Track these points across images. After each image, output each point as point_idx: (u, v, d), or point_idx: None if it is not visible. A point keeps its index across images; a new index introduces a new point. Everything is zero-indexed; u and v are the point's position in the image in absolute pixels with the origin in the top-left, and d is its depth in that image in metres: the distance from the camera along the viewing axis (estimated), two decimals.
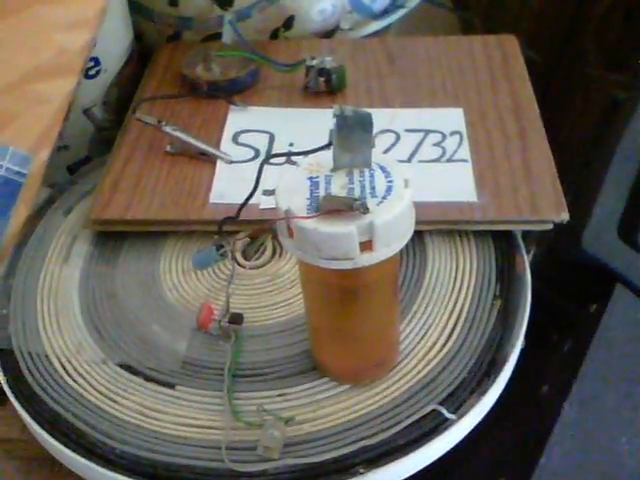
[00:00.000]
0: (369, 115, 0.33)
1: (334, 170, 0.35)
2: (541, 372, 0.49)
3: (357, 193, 0.33)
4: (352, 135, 0.34)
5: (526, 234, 0.51)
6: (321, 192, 0.33)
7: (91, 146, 0.63)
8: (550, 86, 0.94)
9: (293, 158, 0.42)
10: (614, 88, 0.78)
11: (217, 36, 0.62)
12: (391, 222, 0.32)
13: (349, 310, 0.38)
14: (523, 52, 0.62)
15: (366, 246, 0.33)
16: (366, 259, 0.33)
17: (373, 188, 0.33)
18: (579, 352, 0.47)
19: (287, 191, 0.34)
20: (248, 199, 0.36)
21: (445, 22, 0.89)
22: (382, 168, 0.35)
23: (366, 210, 0.32)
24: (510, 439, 0.48)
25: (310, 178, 0.34)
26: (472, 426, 0.41)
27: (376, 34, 0.67)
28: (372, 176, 0.34)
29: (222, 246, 0.40)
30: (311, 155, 0.36)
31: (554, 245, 0.55)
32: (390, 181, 0.34)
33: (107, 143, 0.58)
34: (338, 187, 0.34)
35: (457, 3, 0.93)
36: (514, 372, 0.45)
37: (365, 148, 0.34)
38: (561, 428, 0.44)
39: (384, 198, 0.33)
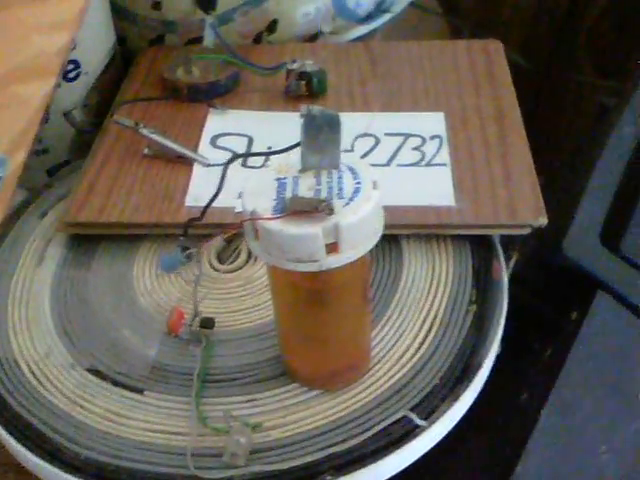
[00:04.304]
0: (337, 116, 0.33)
1: (302, 171, 0.34)
2: (521, 379, 0.49)
3: (324, 194, 0.33)
4: (320, 136, 0.33)
5: (509, 240, 0.51)
6: (288, 193, 0.33)
7: (71, 149, 0.62)
8: (542, 93, 0.93)
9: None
10: (603, 94, 0.78)
11: (200, 40, 0.61)
12: (357, 224, 0.32)
13: (317, 314, 0.37)
14: (512, 58, 0.62)
15: (332, 248, 0.32)
16: (332, 261, 0.32)
17: (341, 189, 0.33)
18: (559, 359, 0.46)
19: (254, 192, 0.33)
20: (211, 201, 0.36)
21: (435, 28, 0.89)
22: (351, 169, 0.34)
23: (331, 211, 0.32)
24: (488, 447, 0.47)
25: (278, 179, 0.34)
26: (444, 433, 0.41)
27: (361, 39, 0.67)
28: (340, 177, 0.34)
29: (188, 248, 0.40)
30: (280, 156, 0.35)
31: (536, 251, 0.55)
32: (358, 183, 0.33)
33: (87, 146, 0.57)
34: (305, 188, 0.33)
35: (447, 10, 0.93)
36: (495, 379, 0.44)
37: (333, 149, 0.34)
38: (539, 436, 0.43)
39: (351, 199, 0.32)
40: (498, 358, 0.45)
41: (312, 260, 0.32)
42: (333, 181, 0.33)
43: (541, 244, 0.53)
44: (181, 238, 0.39)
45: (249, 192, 0.33)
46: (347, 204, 0.32)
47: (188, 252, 0.40)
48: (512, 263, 0.54)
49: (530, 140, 0.53)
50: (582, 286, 0.49)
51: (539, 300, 0.53)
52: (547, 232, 0.48)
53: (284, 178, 0.34)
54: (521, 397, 0.47)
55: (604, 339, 0.47)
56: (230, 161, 0.35)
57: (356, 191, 0.33)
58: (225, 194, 0.47)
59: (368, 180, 0.33)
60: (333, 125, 0.33)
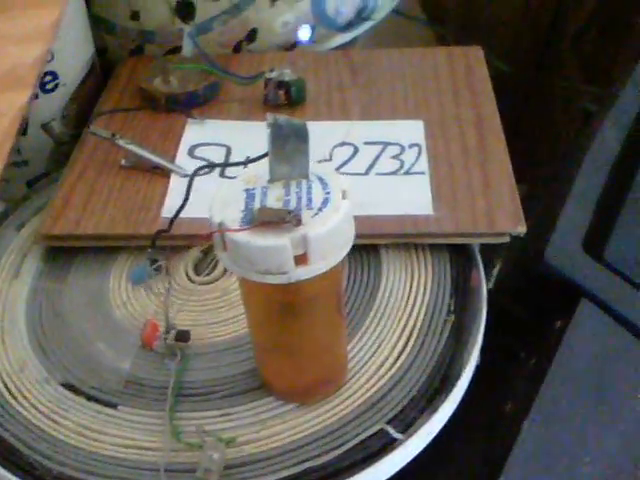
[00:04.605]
0: (304, 125, 0.32)
1: (271, 182, 0.34)
2: (506, 389, 0.48)
3: (293, 205, 0.32)
4: (287, 145, 0.33)
5: (492, 248, 0.50)
6: (256, 204, 0.32)
7: (50, 161, 0.62)
8: (528, 99, 0.93)
9: None
10: (588, 100, 0.78)
11: (180, 49, 0.61)
12: (326, 234, 0.31)
13: (290, 326, 0.36)
14: (497, 64, 0.62)
15: (301, 259, 0.32)
16: (301, 273, 0.32)
17: (310, 200, 0.32)
18: (543, 369, 0.46)
19: (222, 203, 0.33)
20: (178, 213, 0.35)
21: (420, 36, 0.89)
22: (320, 179, 0.34)
23: (299, 222, 0.31)
24: (471, 458, 0.46)
25: (246, 190, 0.33)
26: (422, 446, 0.40)
27: (342, 47, 0.67)
28: (309, 187, 0.33)
29: (157, 260, 0.39)
30: (249, 166, 0.35)
31: (519, 259, 0.54)
32: (327, 192, 0.33)
33: (67, 158, 0.57)
34: (274, 199, 0.33)
35: (432, 17, 0.92)
36: (479, 388, 0.44)
37: (301, 159, 0.33)
38: (521, 447, 0.42)
39: (320, 210, 0.32)
40: (482, 367, 0.45)
41: (281, 272, 0.32)
42: (302, 191, 0.33)
43: (524, 252, 0.52)
44: (149, 250, 0.39)
45: (218, 203, 0.33)
46: (316, 214, 0.32)
47: (157, 264, 0.39)
48: (495, 272, 0.54)
49: (515, 147, 0.53)
50: (566, 294, 0.48)
51: (523, 308, 0.52)
52: (530, 240, 0.47)
53: (253, 189, 0.33)
54: (505, 408, 0.47)
55: (588, 347, 0.46)
56: (196, 172, 0.34)
57: (325, 201, 0.32)
58: (201, 205, 0.47)
59: (337, 190, 0.33)
60: (300, 134, 0.32)
